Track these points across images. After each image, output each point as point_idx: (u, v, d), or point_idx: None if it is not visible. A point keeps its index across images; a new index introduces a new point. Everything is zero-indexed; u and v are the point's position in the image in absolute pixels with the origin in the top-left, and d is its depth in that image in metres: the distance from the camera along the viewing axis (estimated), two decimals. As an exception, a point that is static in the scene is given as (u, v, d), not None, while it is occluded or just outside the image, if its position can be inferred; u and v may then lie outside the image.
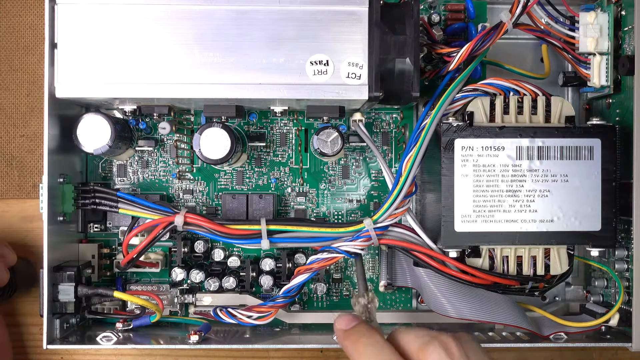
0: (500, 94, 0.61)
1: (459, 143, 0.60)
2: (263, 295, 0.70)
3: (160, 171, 0.70)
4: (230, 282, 0.67)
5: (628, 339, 0.61)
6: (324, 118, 0.62)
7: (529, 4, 0.60)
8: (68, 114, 0.62)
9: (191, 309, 0.69)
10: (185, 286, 0.69)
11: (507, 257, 0.61)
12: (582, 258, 0.69)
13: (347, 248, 0.61)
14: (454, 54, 0.62)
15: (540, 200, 0.60)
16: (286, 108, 0.63)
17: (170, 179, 0.70)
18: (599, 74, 0.64)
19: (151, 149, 0.69)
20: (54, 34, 0.58)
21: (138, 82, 0.58)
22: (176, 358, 0.73)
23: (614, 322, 0.63)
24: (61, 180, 0.61)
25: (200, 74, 0.58)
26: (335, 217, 0.71)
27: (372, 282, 0.71)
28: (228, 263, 0.68)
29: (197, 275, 0.67)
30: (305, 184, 0.70)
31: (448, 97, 0.60)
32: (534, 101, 0.61)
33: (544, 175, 0.60)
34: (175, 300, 0.67)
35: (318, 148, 0.64)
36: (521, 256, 0.61)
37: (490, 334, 0.66)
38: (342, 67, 0.58)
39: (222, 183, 0.70)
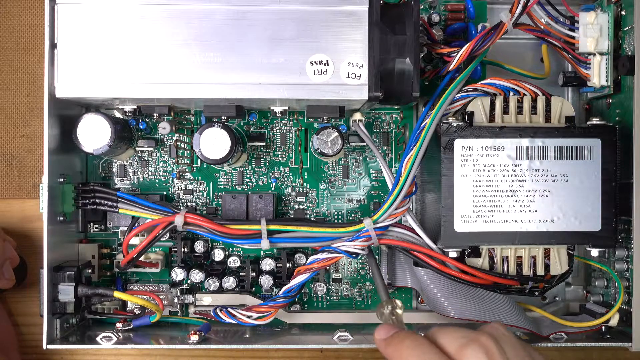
0: (500, 94, 0.61)
1: (459, 143, 0.60)
2: (263, 295, 0.70)
3: (160, 171, 0.70)
4: (230, 282, 0.67)
5: (628, 339, 0.61)
6: (324, 118, 0.62)
7: (529, 4, 0.60)
8: (68, 114, 0.62)
9: (191, 309, 0.69)
10: (185, 286, 0.69)
11: (507, 257, 0.61)
12: (582, 258, 0.69)
13: (347, 248, 0.61)
14: (454, 54, 0.62)
15: (540, 200, 0.60)
16: (286, 108, 0.63)
17: (170, 179, 0.70)
18: (599, 74, 0.64)
19: (151, 149, 0.69)
20: (54, 34, 0.58)
21: (138, 82, 0.58)
22: (176, 358, 0.73)
23: (614, 322, 0.63)
24: (61, 180, 0.61)
25: (200, 74, 0.58)
26: (335, 217, 0.71)
27: (372, 282, 0.71)
28: (228, 263, 0.68)
29: (197, 275, 0.67)
30: (305, 184, 0.70)
31: (448, 97, 0.60)
32: (534, 101, 0.61)
33: (544, 175, 0.60)
34: (175, 300, 0.67)
35: (318, 148, 0.64)
36: (521, 256, 0.61)
37: (490, 334, 0.65)
38: (342, 67, 0.58)
39: (222, 183, 0.70)
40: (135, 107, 0.62)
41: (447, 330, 0.47)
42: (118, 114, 0.67)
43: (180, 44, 0.57)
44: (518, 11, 0.60)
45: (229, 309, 0.63)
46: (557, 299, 0.72)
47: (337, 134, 0.64)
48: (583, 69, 0.65)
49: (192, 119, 0.69)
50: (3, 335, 0.69)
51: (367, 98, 0.58)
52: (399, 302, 0.54)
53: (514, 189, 0.60)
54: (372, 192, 0.71)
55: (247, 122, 0.70)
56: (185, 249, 0.68)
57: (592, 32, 0.63)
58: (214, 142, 0.61)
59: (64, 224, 0.63)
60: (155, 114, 0.63)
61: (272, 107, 0.63)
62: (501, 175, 0.60)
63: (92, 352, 0.72)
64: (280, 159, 0.70)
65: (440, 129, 0.60)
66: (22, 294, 0.72)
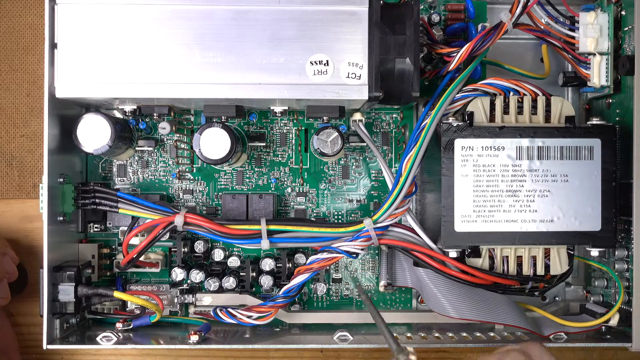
0: (500, 94, 0.61)
1: (459, 143, 0.60)
2: (263, 295, 0.70)
3: (160, 171, 0.70)
4: (230, 282, 0.67)
5: (628, 339, 0.61)
6: (324, 118, 0.62)
7: (529, 4, 0.60)
8: (68, 114, 0.62)
9: (191, 309, 0.69)
10: (185, 286, 0.69)
11: (507, 257, 0.61)
12: (582, 258, 0.69)
13: (347, 248, 0.61)
14: (454, 54, 0.62)
15: (540, 200, 0.60)
16: (286, 108, 0.63)
17: (170, 179, 0.70)
18: (599, 74, 0.64)
19: (151, 149, 0.69)
20: (54, 34, 0.58)
21: (138, 82, 0.58)
22: (176, 358, 0.73)
23: (614, 322, 0.63)
24: (61, 180, 0.61)
25: (200, 74, 0.58)
26: (335, 217, 0.71)
27: (372, 282, 0.71)
28: (228, 263, 0.68)
29: (197, 275, 0.67)
30: (305, 184, 0.70)
31: (448, 97, 0.60)
32: (534, 101, 0.61)
33: (544, 175, 0.60)
34: (175, 300, 0.67)
35: (318, 148, 0.64)
36: (521, 256, 0.61)
37: (490, 334, 0.66)
38: (342, 67, 0.58)
39: (222, 183, 0.70)
40: (135, 107, 0.62)
41: None
42: (118, 114, 0.67)
43: (180, 44, 0.57)
44: (518, 11, 0.60)
45: (229, 309, 0.63)
46: (557, 299, 0.72)
47: (337, 134, 0.64)
48: (583, 69, 0.65)
49: (192, 119, 0.69)
50: (3, 336, 0.69)
51: (367, 98, 0.58)
52: (411, 349, 0.51)
53: (514, 189, 0.60)
54: (372, 192, 0.71)
55: (247, 122, 0.70)
56: (185, 249, 0.68)
57: (592, 32, 0.63)
58: (214, 142, 0.61)
59: (64, 224, 0.63)
60: (155, 114, 0.63)
61: (272, 107, 0.63)
62: (501, 175, 0.60)
63: (92, 352, 0.72)
64: (280, 159, 0.70)
65: (440, 129, 0.60)
66: (22, 294, 0.72)
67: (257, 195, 0.68)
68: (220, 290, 0.68)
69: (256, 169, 0.70)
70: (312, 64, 0.58)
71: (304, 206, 0.70)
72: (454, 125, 0.60)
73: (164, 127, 0.67)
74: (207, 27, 0.57)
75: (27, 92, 0.73)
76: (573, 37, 0.64)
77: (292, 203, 0.70)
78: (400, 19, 0.59)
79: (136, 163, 0.70)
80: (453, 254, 0.61)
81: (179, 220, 0.60)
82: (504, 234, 0.60)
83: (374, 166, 0.71)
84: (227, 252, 0.69)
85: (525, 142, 0.60)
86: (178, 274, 0.67)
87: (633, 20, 0.61)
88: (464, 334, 0.65)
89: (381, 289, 0.68)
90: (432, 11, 0.69)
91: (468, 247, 0.61)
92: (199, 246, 0.68)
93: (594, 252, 0.61)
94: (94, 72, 0.58)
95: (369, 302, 0.59)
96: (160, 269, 0.69)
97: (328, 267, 0.69)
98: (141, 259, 0.64)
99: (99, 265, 0.68)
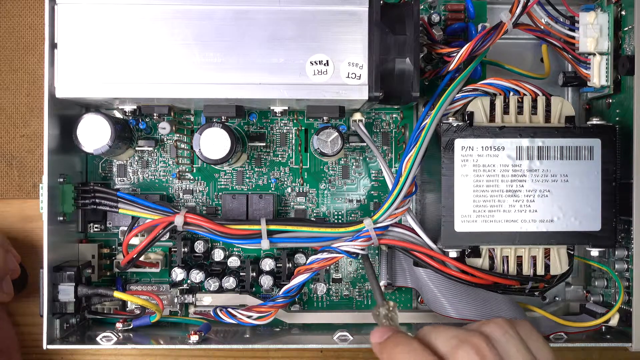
0: (500, 94, 0.61)
1: (459, 143, 0.60)
2: (263, 295, 0.70)
3: (160, 171, 0.70)
4: (230, 282, 0.67)
5: (628, 339, 0.61)
6: (324, 118, 0.62)
7: (529, 4, 0.60)
8: (68, 114, 0.62)
9: (191, 309, 0.69)
10: (185, 286, 0.69)
11: (507, 257, 0.61)
12: (582, 258, 0.69)
13: (347, 248, 0.61)
14: (454, 54, 0.62)
15: (540, 200, 0.60)
16: (286, 108, 0.63)
17: (170, 179, 0.70)
18: (599, 74, 0.64)
19: (151, 149, 0.69)
20: (54, 34, 0.58)
21: (138, 82, 0.58)
22: (176, 358, 0.73)
23: (614, 322, 0.63)
24: (61, 180, 0.61)
25: (200, 74, 0.58)
26: (335, 217, 0.71)
27: (372, 282, 0.71)
28: (228, 263, 0.68)
29: (197, 275, 0.67)
30: (305, 184, 0.70)
31: (448, 97, 0.60)
32: (534, 101, 0.61)
33: (544, 175, 0.60)
34: (175, 300, 0.67)
35: (318, 148, 0.64)
36: (521, 256, 0.61)
37: (490, 334, 0.65)
38: (342, 67, 0.58)
39: (222, 183, 0.70)
40: (135, 107, 0.62)
41: (440, 330, 0.46)
42: (118, 114, 0.67)
43: (180, 44, 0.57)
44: (518, 11, 0.60)
45: (229, 309, 0.63)
46: (557, 299, 0.72)
47: (337, 134, 0.64)
48: (583, 69, 0.65)
49: (192, 119, 0.69)
50: (4, 336, 0.69)
51: (367, 98, 0.58)
52: (392, 303, 0.54)
53: (514, 189, 0.60)
54: (372, 192, 0.71)
55: (247, 122, 0.70)
56: (185, 249, 0.68)
57: (592, 32, 0.63)
58: (214, 142, 0.61)
59: (64, 224, 0.63)
60: (155, 114, 0.63)
61: (272, 107, 0.63)
62: (501, 175, 0.60)
63: (92, 352, 0.72)
64: (280, 159, 0.70)
65: (440, 129, 0.60)
66: (22, 293, 0.72)
67: (257, 195, 0.68)
68: (220, 290, 0.68)
69: (256, 169, 0.70)
70: (312, 64, 0.58)
71: (304, 206, 0.70)
72: (454, 125, 0.60)
73: (164, 127, 0.67)
74: (207, 27, 0.57)
75: (27, 92, 0.73)
76: (573, 37, 0.64)
77: (292, 203, 0.70)
78: (400, 19, 0.59)
79: (136, 163, 0.70)
80: (453, 254, 0.60)
81: (179, 220, 0.60)
82: (504, 234, 0.60)
83: (374, 166, 0.71)
84: (227, 252, 0.69)
85: (525, 142, 0.60)
86: (178, 274, 0.67)
87: (633, 20, 0.61)
88: (464, 334, 0.65)
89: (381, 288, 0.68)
90: (432, 11, 0.69)
91: (468, 247, 0.61)
92: (199, 246, 0.68)
93: (594, 252, 0.61)
94: (94, 72, 0.58)
95: (366, 259, 0.62)
96: (160, 269, 0.69)
97: (328, 267, 0.69)
98: (141, 259, 0.64)
99: (99, 265, 0.68)
